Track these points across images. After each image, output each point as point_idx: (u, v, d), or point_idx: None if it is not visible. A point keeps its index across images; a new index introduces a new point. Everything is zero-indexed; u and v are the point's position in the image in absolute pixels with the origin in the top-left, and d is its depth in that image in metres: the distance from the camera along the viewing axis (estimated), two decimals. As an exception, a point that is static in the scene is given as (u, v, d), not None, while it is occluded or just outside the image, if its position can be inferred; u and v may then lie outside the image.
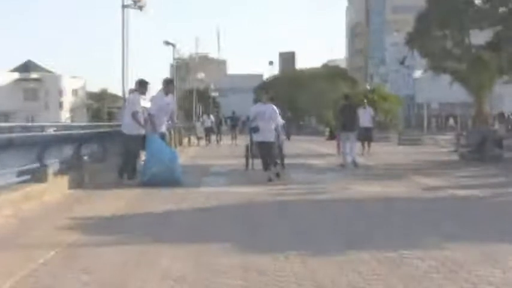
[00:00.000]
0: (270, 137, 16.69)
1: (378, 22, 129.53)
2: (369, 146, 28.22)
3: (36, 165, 12.26)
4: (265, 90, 18.04)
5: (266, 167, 16.45)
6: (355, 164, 20.84)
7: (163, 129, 16.01)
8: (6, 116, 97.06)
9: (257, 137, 16.99)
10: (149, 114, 15.73)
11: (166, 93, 16.19)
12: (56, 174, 13.03)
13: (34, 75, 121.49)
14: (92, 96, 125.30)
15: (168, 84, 16.61)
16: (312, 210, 11.20)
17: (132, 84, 22.25)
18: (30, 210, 10.42)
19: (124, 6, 35.13)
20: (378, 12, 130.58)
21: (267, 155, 16.55)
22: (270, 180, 15.77)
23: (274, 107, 17.11)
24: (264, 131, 16.59)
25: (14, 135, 11.92)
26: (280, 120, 17.64)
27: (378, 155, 27.30)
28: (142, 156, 15.91)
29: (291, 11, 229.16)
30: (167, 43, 64.21)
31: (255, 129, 16.85)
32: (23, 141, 12.02)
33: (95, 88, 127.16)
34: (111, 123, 18.69)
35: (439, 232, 8.80)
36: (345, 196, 13.19)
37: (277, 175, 16.31)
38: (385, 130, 51.78)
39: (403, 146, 39.19)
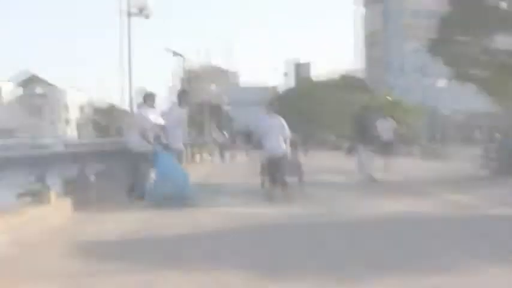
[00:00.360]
0: (279, 151, 16.34)
1: (395, 28, 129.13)
2: (390, 160, 27.81)
3: (38, 185, 11.99)
4: (269, 102, 17.74)
5: (273, 183, 16.12)
6: (373, 179, 20.53)
7: (180, 144, 15.69)
8: (10, 133, 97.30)
9: (265, 152, 16.65)
10: (163, 128, 15.41)
11: (182, 105, 15.90)
12: (59, 195, 12.75)
13: (39, 91, 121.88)
14: (99, 111, 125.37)
15: (183, 95, 16.35)
16: (334, 234, 10.83)
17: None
18: (31, 235, 10.10)
19: (130, 15, 34.96)
20: (395, 18, 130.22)
21: (275, 170, 16.18)
22: (270, 199, 15.41)
23: (282, 119, 16.76)
24: (272, 145, 16.26)
25: (13, 153, 11.67)
26: (288, 134, 17.18)
27: (400, 169, 26.87)
28: (152, 174, 15.58)
29: (305, 19, 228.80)
30: (175, 53, 64.00)
31: (260, 145, 16.56)
32: (24, 160, 11.77)
33: (100, 101, 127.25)
34: (118, 140, 18.48)
35: (483, 257, 8.37)
36: (368, 216, 12.81)
37: (285, 196, 15.77)
38: (408, 143, 51.37)
39: (427, 160, 38.78)
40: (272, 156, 16.36)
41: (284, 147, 16.43)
